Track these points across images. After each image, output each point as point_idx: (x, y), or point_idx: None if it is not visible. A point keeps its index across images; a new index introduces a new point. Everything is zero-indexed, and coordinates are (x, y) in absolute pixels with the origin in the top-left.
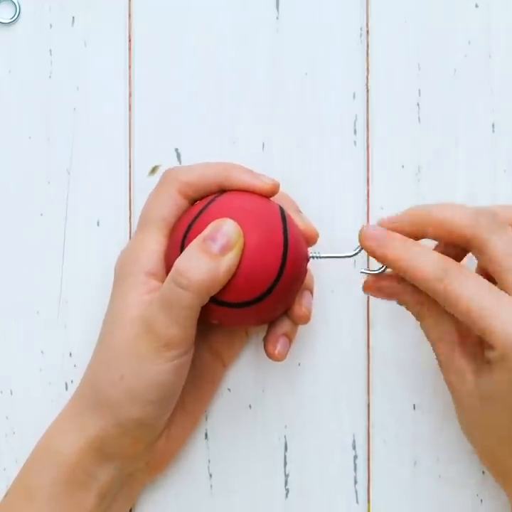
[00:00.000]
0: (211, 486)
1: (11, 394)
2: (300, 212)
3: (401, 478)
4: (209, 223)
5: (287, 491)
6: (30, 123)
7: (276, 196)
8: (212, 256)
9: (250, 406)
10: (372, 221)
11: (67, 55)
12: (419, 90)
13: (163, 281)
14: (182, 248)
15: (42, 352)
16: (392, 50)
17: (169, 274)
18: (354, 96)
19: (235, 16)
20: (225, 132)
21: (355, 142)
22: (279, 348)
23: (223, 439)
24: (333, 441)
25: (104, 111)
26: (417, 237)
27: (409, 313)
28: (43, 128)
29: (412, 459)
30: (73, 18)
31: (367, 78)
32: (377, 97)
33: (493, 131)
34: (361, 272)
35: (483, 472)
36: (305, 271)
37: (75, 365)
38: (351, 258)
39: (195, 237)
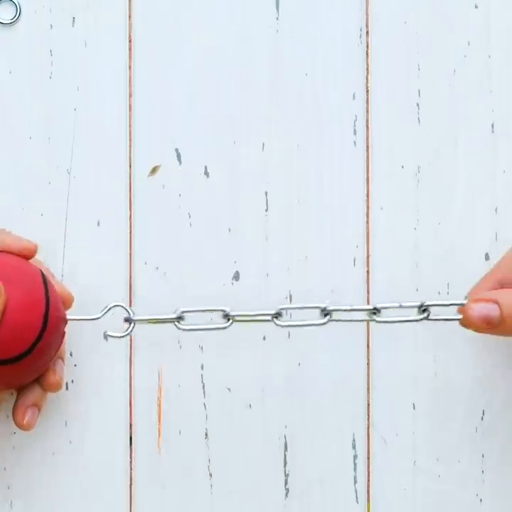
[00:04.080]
0: (211, 486)
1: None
2: (54, 276)
3: (401, 478)
4: None
5: (287, 491)
6: (31, 123)
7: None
8: None
9: (250, 406)
10: (372, 221)
11: (67, 56)
12: (419, 90)
13: None
14: None
15: None
16: (392, 50)
17: None
18: (354, 96)
19: (235, 16)
20: (225, 132)
21: (355, 142)
22: (27, 418)
23: (223, 439)
24: (333, 441)
25: (104, 111)
26: None
27: (409, 312)
28: (43, 128)
29: (412, 458)
30: (73, 18)
31: (367, 78)
32: (377, 97)
33: (493, 131)
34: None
35: (482, 472)
36: (64, 332)
37: (75, 365)
38: (351, 257)
39: None
